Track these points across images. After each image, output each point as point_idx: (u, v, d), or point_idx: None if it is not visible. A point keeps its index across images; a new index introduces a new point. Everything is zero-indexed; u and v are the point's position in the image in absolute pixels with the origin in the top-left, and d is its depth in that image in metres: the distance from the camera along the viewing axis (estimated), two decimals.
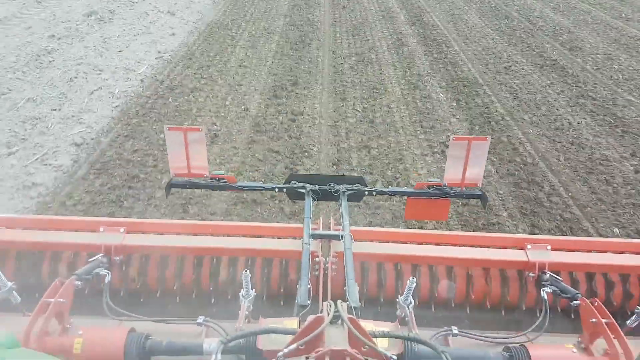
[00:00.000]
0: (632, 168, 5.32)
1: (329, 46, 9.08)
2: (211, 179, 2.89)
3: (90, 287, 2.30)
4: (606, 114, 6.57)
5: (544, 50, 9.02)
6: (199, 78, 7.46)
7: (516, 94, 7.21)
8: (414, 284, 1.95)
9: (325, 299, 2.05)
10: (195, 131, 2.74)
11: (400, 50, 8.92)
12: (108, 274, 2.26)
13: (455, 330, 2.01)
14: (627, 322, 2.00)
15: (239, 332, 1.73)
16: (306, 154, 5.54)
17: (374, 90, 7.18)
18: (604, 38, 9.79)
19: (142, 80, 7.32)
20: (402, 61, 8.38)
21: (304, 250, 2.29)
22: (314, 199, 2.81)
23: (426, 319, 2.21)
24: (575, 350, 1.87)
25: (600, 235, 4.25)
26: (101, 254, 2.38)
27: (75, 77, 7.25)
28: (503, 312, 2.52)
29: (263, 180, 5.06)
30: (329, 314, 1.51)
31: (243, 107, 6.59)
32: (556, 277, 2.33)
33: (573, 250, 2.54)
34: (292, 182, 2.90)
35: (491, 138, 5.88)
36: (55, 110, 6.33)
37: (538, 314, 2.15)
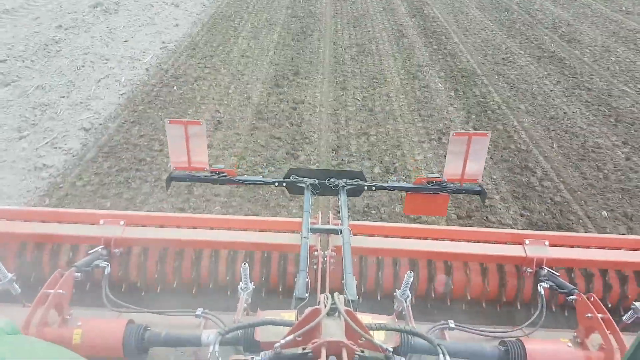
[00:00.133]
0: (623, 155, 5.47)
1: (330, 37, 9.23)
2: (211, 172, 2.89)
3: (90, 279, 2.33)
4: (601, 104, 6.72)
5: (543, 43, 9.15)
6: (203, 67, 7.62)
7: (513, 84, 7.36)
8: (412, 278, 1.96)
9: (323, 292, 2.04)
10: (196, 125, 2.74)
11: (400, 41, 9.06)
12: (107, 266, 2.27)
13: (451, 324, 2.02)
14: (623, 317, 2.01)
15: (237, 323, 1.75)
16: (307, 140, 5.71)
17: (374, 80, 7.34)
18: (602, 31, 9.90)
19: (147, 69, 7.50)
20: (402, 52, 8.53)
21: (302, 244, 2.29)
22: (313, 194, 2.81)
23: (423, 314, 2.27)
24: (570, 344, 1.88)
25: (589, 218, 4.42)
26: (101, 246, 2.39)
27: (83, 66, 7.43)
28: (500, 307, 2.52)
29: (265, 164, 5.24)
30: (326, 306, 1.52)
31: (245, 95, 6.76)
32: (553, 273, 2.33)
33: (571, 246, 2.53)
34: (291, 177, 2.89)
35: (487, 126, 6.08)
36: (63, 97, 6.52)
37: (534, 309, 2.16)
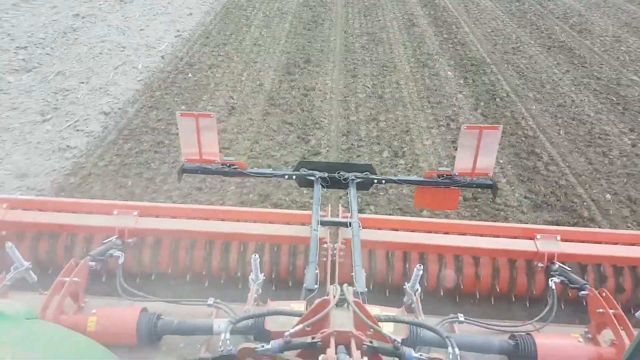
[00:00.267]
0: (629, 142, 5.57)
1: (341, 26, 9.35)
2: (222, 164, 2.89)
3: (104, 268, 2.37)
4: (609, 93, 6.79)
5: (553, 32, 9.19)
6: (216, 55, 7.80)
7: (522, 73, 7.44)
8: (421, 272, 1.96)
9: (332, 283, 2.00)
10: (207, 117, 2.73)
11: (410, 30, 9.16)
12: (121, 255, 2.31)
13: (461, 317, 2.00)
14: (636, 314, 1.97)
15: (248, 313, 1.77)
16: (317, 125, 5.88)
17: (384, 68, 7.47)
18: (614, 21, 9.90)
19: (162, 57, 7.69)
20: (412, 41, 8.63)
21: (312, 237, 2.30)
22: (322, 187, 2.80)
23: (433, 307, 2.21)
24: (581, 339, 1.86)
25: (593, 201, 4.55)
26: (115, 236, 2.43)
27: (100, 54, 7.64)
28: (511, 301, 2.49)
29: (277, 147, 5.42)
30: (335, 297, 1.54)
31: (258, 82, 6.93)
32: (565, 268, 2.31)
33: (583, 242, 2.50)
34: (301, 170, 2.88)
35: (495, 113, 6.19)
36: (83, 83, 6.74)
37: (545, 305, 2.13)
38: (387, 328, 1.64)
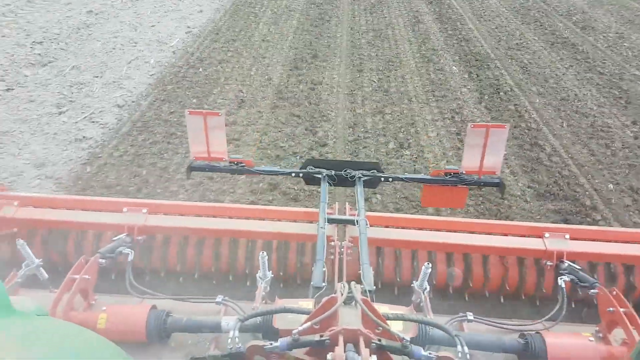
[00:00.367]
0: (632, 134, 5.68)
1: (348, 23, 9.50)
2: (230, 163, 2.91)
3: (114, 265, 2.35)
4: (612, 87, 6.90)
5: (557, 29, 9.29)
6: (226, 51, 7.96)
7: (526, 68, 7.56)
8: (429, 270, 1.95)
9: (340, 281, 1.98)
10: (215, 116, 2.75)
11: (416, 27, 9.29)
12: (131, 252, 2.31)
13: (470, 316, 1.98)
14: None
15: (256, 311, 1.77)
16: (324, 118, 6.03)
17: (390, 63, 7.61)
18: (617, 18, 9.98)
19: (174, 52, 7.87)
20: (417, 37, 8.77)
21: (319, 234, 2.30)
22: (329, 184, 2.80)
23: (442, 306, 2.25)
24: (592, 338, 1.83)
25: (595, 190, 4.67)
26: (124, 234, 2.44)
27: (114, 49, 7.83)
28: (520, 300, 2.47)
29: (285, 139, 5.57)
30: (342, 295, 1.54)
31: (266, 76, 7.09)
32: (574, 266, 2.28)
33: (592, 240, 2.47)
34: (308, 167, 2.89)
35: (499, 107, 6.32)
36: (97, 77, 6.93)
37: (555, 303, 2.11)
38: (395, 326, 1.62)
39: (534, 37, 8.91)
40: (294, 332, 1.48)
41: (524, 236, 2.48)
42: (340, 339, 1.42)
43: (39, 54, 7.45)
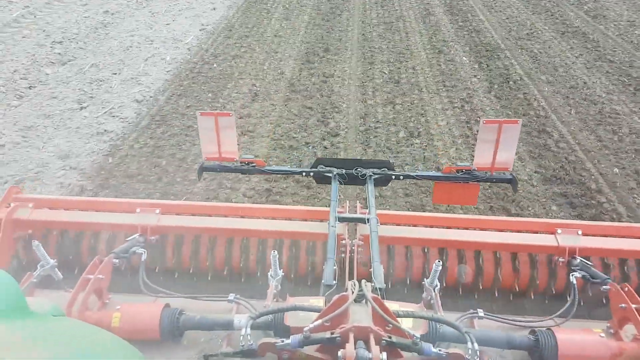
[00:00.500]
0: (639, 121, 5.73)
1: (359, 16, 9.62)
2: (241, 163, 2.92)
3: (128, 265, 2.37)
4: (621, 75, 6.93)
5: (567, 19, 9.30)
6: (239, 47, 8.16)
7: (536, 57, 7.61)
8: (440, 267, 1.95)
9: (351, 279, 1.98)
10: (226, 116, 2.76)
11: (426, 19, 9.38)
12: (144, 252, 2.34)
13: (481, 313, 1.98)
14: None
15: (268, 308, 1.78)
16: (336, 109, 6.19)
17: (400, 55, 7.73)
18: (629, 6, 9.94)
19: (189, 49, 8.09)
20: (428, 29, 8.86)
21: (330, 233, 2.31)
22: (340, 183, 2.80)
23: (452, 303, 2.22)
24: (603, 334, 1.83)
25: (601, 174, 4.76)
26: (138, 234, 2.46)
27: (130, 47, 8.08)
28: (531, 297, 2.47)
29: (298, 129, 5.74)
30: (353, 293, 1.54)
31: (279, 70, 7.27)
32: (586, 262, 2.27)
33: (605, 236, 2.47)
34: (319, 167, 2.89)
35: (508, 95, 6.41)
36: (115, 74, 7.17)
37: (566, 300, 2.10)
38: (405, 323, 1.63)
39: (544, 26, 8.94)
40: (305, 329, 1.49)
41: (537, 232, 2.48)
42: (351, 337, 1.44)
43: (59, 53, 7.72)
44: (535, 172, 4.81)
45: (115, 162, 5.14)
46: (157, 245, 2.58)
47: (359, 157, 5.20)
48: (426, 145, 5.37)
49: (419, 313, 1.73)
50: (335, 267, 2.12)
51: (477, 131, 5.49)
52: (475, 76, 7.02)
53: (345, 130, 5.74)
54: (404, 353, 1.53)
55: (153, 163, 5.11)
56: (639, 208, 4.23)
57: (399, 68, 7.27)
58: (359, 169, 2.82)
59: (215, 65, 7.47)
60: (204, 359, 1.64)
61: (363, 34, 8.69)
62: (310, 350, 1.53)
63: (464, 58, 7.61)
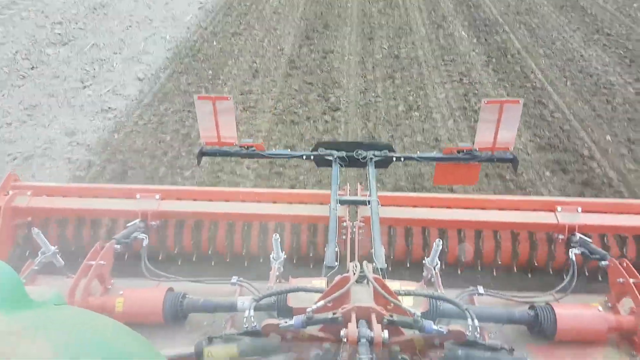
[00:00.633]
0: (633, 91, 5.83)
1: None
2: (240, 147, 2.91)
3: (129, 251, 2.39)
4: (618, 47, 7.00)
5: None
6: (238, 24, 8.19)
7: (534, 31, 7.66)
8: (440, 247, 1.98)
9: (352, 261, 2.01)
10: (224, 100, 2.73)
11: None
12: (145, 238, 2.36)
13: (480, 289, 2.01)
14: None
15: (271, 290, 1.81)
16: (336, 84, 6.28)
17: (400, 30, 7.78)
18: None
19: (188, 28, 8.12)
20: (427, 5, 8.88)
21: (331, 216, 2.34)
22: (341, 166, 2.80)
23: (453, 281, 2.23)
24: (601, 308, 1.86)
25: (594, 142, 4.88)
26: (138, 220, 2.47)
27: (130, 26, 8.12)
28: (531, 273, 2.49)
29: (299, 105, 5.84)
30: (354, 273, 1.57)
31: (279, 47, 7.33)
32: (586, 239, 2.30)
33: (604, 212, 2.48)
34: (319, 150, 2.90)
35: (505, 69, 6.49)
36: (116, 53, 7.24)
37: (566, 276, 2.14)
38: (406, 302, 1.66)
39: (542, 1, 8.95)
40: (308, 310, 1.51)
41: (537, 210, 2.49)
42: (353, 316, 1.46)
43: (59, 34, 7.77)
44: (530, 140, 4.93)
45: (121, 138, 5.25)
46: (159, 230, 2.57)
47: (359, 129, 5.32)
48: (425, 118, 5.48)
49: (420, 291, 1.75)
50: (336, 249, 2.14)
51: (475, 103, 5.68)
52: (473, 50, 7.09)
53: (346, 104, 5.84)
54: (405, 331, 1.54)
55: (158, 138, 5.22)
56: (629, 173, 4.36)
57: (399, 43, 7.33)
58: (359, 152, 2.82)
59: (214, 43, 7.52)
60: (207, 341, 1.65)
61: (362, 10, 8.71)
62: (313, 330, 1.55)
63: (462, 33, 7.66)
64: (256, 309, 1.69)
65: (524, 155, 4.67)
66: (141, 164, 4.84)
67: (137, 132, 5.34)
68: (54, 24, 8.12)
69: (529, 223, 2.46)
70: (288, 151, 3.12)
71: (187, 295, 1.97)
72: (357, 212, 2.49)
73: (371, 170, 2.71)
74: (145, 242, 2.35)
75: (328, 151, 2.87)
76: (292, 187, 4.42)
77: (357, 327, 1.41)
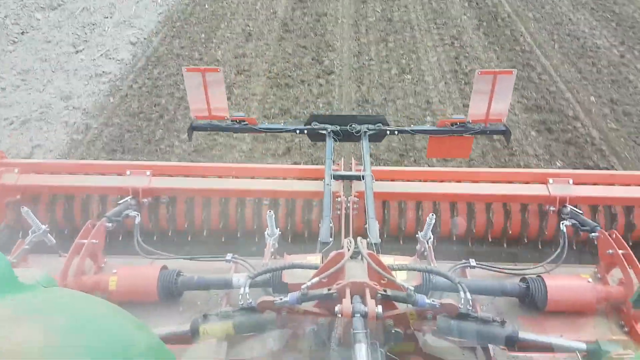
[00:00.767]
0: (618, 54, 5.99)
1: None
2: (232, 121, 2.85)
3: (121, 229, 2.35)
4: (605, 11, 7.11)
5: None
6: None
7: None
8: (433, 220, 1.98)
9: (347, 236, 2.03)
10: (214, 72, 2.67)
11: None
12: (137, 215, 2.31)
13: (473, 262, 2.03)
14: None
15: (266, 267, 1.79)
16: (330, 48, 6.33)
17: None
18: None
19: None
20: None
21: (325, 191, 2.32)
22: (335, 140, 2.78)
23: (446, 252, 2.27)
24: (590, 279, 1.88)
25: (578, 102, 5.07)
26: (130, 197, 2.42)
27: None
28: (523, 245, 2.52)
29: (293, 68, 5.91)
30: (349, 249, 1.57)
31: (271, 10, 7.32)
32: (576, 211, 2.32)
33: (595, 184, 2.50)
34: (312, 123, 2.85)
35: (496, 32, 6.58)
36: (107, 17, 7.17)
37: (557, 248, 2.15)
38: (400, 276, 1.66)
39: None
40: (303, 287, 1.51)
41: (528, 183, 2.53)
42: (348, 292, 1.47)
43: None
44: (518, 102, 5.10)
45: (116, 101, 5.31)
46: (151, 207, 2.54)
47: (353, 92, 5.44)
48: (417, 81, 5.60)
49: (413, 265, 1.75)
50: (331, 225, 2.14)
51: (466, 66, 5.80)
52: (465, 14, 7.15)
53: (340, 68, 5.92)
54: (398, 305, 1.56)
55: (153, 102, 5.29)
56: (610, 132, 4.57)
57: (392, 7, 7.36)
58: (353, 125, 2.80)
59: (206, 5, 7.47)
60: (203, 318, 1.66)
61: None
62: (308, 306, 1.56)
63: None
64: (251, 285, 1.68)
65: (512, 116, 4.84)
66: (138, 126, 4.93)
67: (132, 96, 5.40)
68: None
69: (521, 195, 2.48)
70: (281, 125, 3.10)
71: (181, 273, 1.96)
72: (351, 187, 2.50)
73: (365, 144, 2.70)
74: (137, 220, 2.31)
75: (321, 125, 2.84)
76: (288, 149, 4.57)
77: (351, 302, 1.43)
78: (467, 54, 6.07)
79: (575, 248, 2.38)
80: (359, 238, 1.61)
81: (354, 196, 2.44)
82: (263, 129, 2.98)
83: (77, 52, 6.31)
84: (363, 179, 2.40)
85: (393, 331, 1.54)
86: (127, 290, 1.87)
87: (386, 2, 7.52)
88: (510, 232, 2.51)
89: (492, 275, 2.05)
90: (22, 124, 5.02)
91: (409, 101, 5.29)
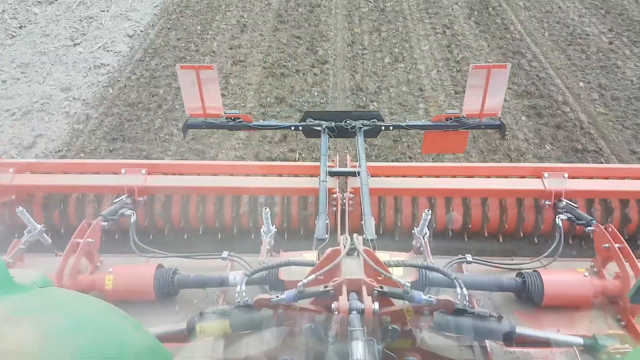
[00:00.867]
0: (607, 40, 6.11)
1: None
2: (227, 118, 2.85)
3: (117, 227, 2.35)
4: None
5: None
6: None
7: None
8: (429, 216, 1.98)
9: (343, 233, 2.05)
10: (208, 69, 2.66)
11: None
12: (133, 214, 2.31)
13: (469, 257, 2.02)
14: None
15: (262, 265, 1.78)
16: (324, 38, 6.43)
17: None
18: None
19: None
20: None
21: (321, 188, 2.31)
22: (330, 136, 2.77)
23: (442, 249, 2.27)
24: (587, 274, 1.88)
25: (567, 88, 5.19)
26: (125, 195, 2.42)
27: None
28: (519, 239, 2.53)
29: (288, 58, 6.01)
30: (345, 246, 1.56)
31: (266, 2, 7.40)
32: (572, 205, 2.31)
33: (591, 178, 2.51)
34: (307, 120, 2.85)
35: (487, 21, 6.69)
36: (104, 11, 7.25)
37: (552, 242, 2.15)
38: (396, 273, 1.66)
39: None
40: (299, 284, 1.51)
41: (524, 177, 2.53)
42: (344, 289, 1.46)
43: None
44: (509, 88, 5.21)
45: (115, 92, 5.42)
46: (146, 206, 2.53)
47: (347, 81, 5.55)
48: (410, 69, 5.71)
49: (409, 262, 1.75)
50: (327, 221, 2.14)
51: (457, 54, 5.91)
52: (456, 3, 7.25)
53: (334, 57, 6.03)
54: (395, 301, 1.56)
55: (151, 92, 5.39)
56: (598, 116, 4.71)
57: None
58: (348, 121, 2.80)
59: None
60: (199, 316, 1.66)
61: None
62: (305, 303, 1.56)
63: None
64: (248, 283, 1.68)
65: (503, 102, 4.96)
66: (137, 116, 5.04)
67: (131, 87, 5.50)
68: None
69: (517, 190, 2.48)
70: (276, 122, 3.09)
71: (177, 271, 1.96)
72: (346, 183, 2.49)
73: (360, 139, 2.68)
74: (133, 219, 2.30)
75: (316, 121, 2.84)
76: (285, 136, 4.67)
77: (348, 299, 1.42)
78: (458, 42, 6.18)
79: (571, 242, 2.42)
80: (355, 234, 1.62)
81: (350, 192, 2.44)
82: (257, 126, 2.96)
83: (75, 45, 6.39)
84: (358, 175, 2.40)
85: (390, 328, 1.54)
86: (124, 289, 1.87)
87: None
88: (506, 226, 2.50)
89: (488, 270, 2.05)
90: (23, 114, 5.12)
91: (402, 89, 5.40)
